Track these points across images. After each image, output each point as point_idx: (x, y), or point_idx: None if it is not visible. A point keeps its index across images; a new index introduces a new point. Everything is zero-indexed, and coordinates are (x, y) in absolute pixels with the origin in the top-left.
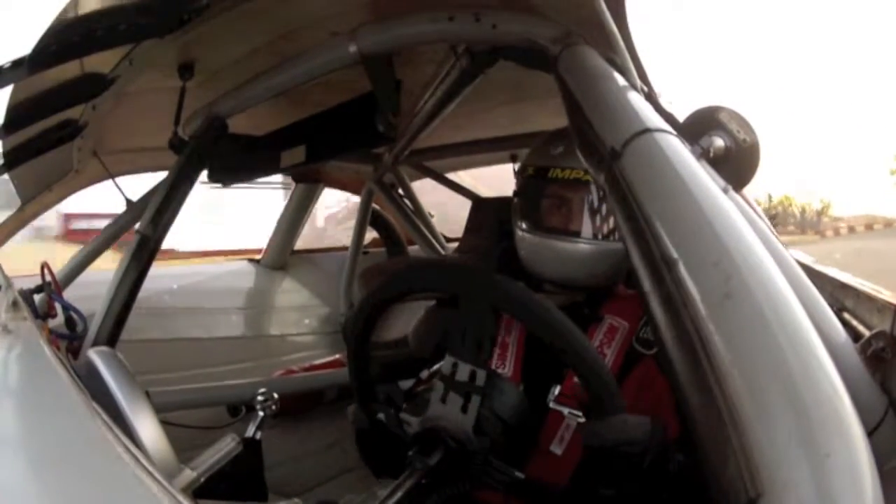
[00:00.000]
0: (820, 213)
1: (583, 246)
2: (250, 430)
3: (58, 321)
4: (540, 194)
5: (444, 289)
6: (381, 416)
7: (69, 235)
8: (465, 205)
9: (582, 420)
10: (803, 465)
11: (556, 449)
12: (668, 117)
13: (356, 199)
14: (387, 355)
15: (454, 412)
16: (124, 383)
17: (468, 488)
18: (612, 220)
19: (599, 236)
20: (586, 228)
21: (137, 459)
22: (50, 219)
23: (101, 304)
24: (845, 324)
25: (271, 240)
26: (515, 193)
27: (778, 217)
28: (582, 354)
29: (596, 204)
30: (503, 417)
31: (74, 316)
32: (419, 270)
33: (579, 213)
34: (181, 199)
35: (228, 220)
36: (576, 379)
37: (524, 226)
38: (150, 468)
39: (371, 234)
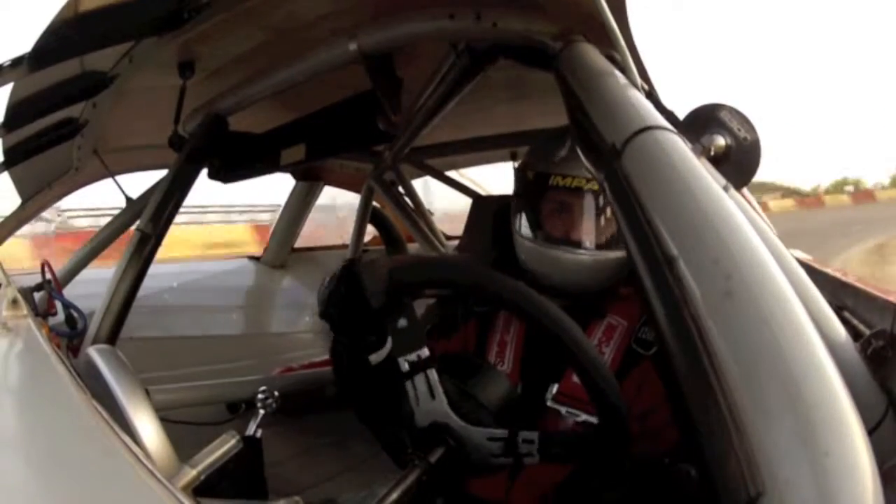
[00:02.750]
0: None
1: (583, 256)
2: (251, 428)
3: (58, 319)
4: (539, 200)
5: (450, 288)
6: (402, 322)
7: None
8: None
9: (580, 419)
10: (804, 463)
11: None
12: (669, 115)
13: None
14: None
15: (485, 449)
16: (124, 381)
17: (462, 482)
18: (613, 228)
19: (601, 246)
20: (587, 238)
21: (137, 457)
22: None
23: (101, 302)
24: (845, 322)
25: (271, 238)
26: (514, 194)
27: None
28: (583, 354)
29: (597, 212)
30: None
31: (74, 314)
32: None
33: (580, 223)
34: (181, 196)
35: None
36: (575, 378)
37: (523, 231)
38: (150, 466)
39: (371, 233)
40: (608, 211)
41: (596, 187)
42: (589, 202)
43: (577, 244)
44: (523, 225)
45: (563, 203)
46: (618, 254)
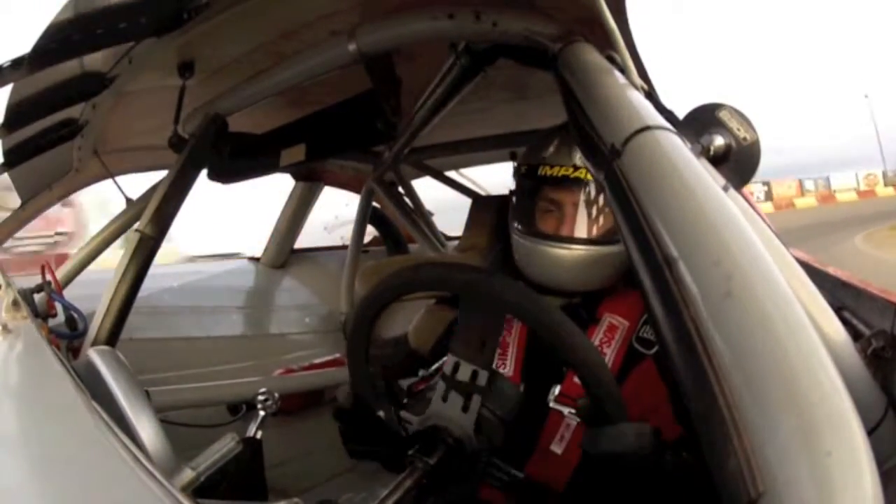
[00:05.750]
0: None
1: (577, 251)
2: (251, 430)
3: (58, 320)
4: (531, 194)
5: (448, 289)
6: (380, 413)
7: None
8: None
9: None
10: (804, 464)
11: (557, 448)
12: (669, 115)
13: None
14: (385, 354)
15: (455, 411)
16: (124, 382)
17: (469, 489)
18: (608, 221)
19: (595, 240)
20: (580, 232)
21: (137, 459)
22: None
23: (101, 304)
24: (845, 322)
25: (271, 238)
26: (511, 193)
27: None
28: (584, 358)
29: (590, 205)
30: (503, 418)
31: (74, 315)
32: (423, 269)
33: (572, 216)
34: (181, 197)
35: None
36: (576, 378)
37: (518, 228)
38: (150, 467)
39: (372, 233)
40: (602, 203)
41: (584, 175)
42: (579, 192)
43: (569, 239)
44: (517, 222)
45: (553, 196)
46: (615, 248)
